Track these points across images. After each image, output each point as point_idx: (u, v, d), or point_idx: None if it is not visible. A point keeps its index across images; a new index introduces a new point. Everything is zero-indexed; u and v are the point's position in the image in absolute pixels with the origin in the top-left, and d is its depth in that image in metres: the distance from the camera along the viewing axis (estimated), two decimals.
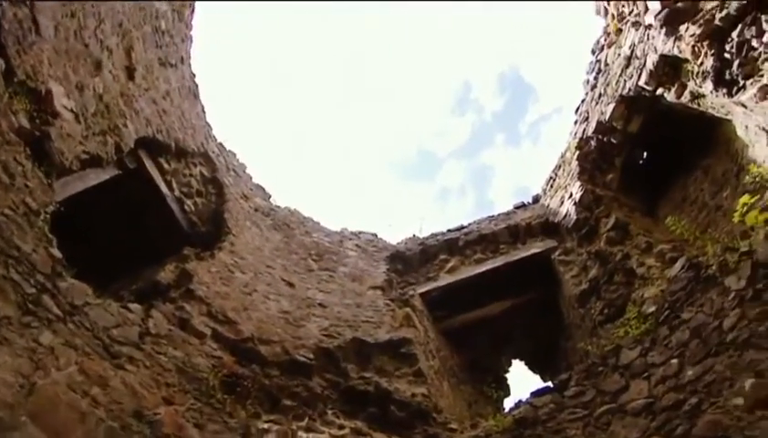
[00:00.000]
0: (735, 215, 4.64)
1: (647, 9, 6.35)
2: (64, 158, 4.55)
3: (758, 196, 4.65)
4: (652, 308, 4.89)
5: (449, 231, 9.36)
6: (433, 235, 9.36)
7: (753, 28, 5.11)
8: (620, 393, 4.48)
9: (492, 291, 8.25)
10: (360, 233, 9.75)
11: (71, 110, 4.66)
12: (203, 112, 7.85)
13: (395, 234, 10.46)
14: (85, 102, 4.89)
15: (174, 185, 6.57)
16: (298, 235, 8.38)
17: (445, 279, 8.38)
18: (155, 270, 5.96)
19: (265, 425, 5.00)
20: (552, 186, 8.84)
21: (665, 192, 6.91)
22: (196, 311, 5.54)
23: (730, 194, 5.63)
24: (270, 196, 8.84)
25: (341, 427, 5.40)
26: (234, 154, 8.48)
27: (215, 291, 5.90)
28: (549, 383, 5.45)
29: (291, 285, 6.98)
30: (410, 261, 8.89)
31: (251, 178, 8.63)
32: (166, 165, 6.40)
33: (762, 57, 5.01)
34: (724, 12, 5.37)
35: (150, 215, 6.42)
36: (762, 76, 4.97)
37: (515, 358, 8.67)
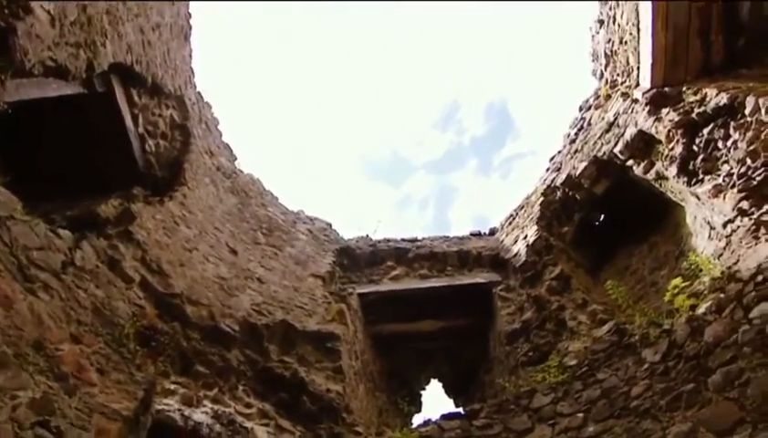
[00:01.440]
0: (666, 295, 4.92)
1: (638, 85, 6.67)
2: (26, 59, 4.22)
3: (689, 282, 4.94)
4: (573, 362, 5.10)
5: (402, 240, 9.42)
6: (386, 240, 9.39)
7: (722, 131, 5.47)
8: (525, 434, 4.65)
9: (429, 309, 8.36)
10: (316, 219, 9.65)
11: (48, 12, 4.34)
12: (190, 57, 7.55)
13: (350, 229, 10.43)
14: (65, 8, 4.57)
15: (140, 121, 6.26)
16: (254, 205, 8.19)
17: (387, 286, 8.42)
18: (97, 202, 5.64)
19: (172, 386, 4.83)
20: (510, 224, 9.08)
21: (611, 257, 7.24)
22: (130, 255, 5.29)
23: (666, 274, 5.98)
24: (236, 159, 8.60)
25: (248, 405, 5.30)
26: (210, 107, 8.19)
27: (155, 239, 5.66)
28: (461, 410, 5.56)
29: (234, 252, 6.80)
30: (358, 259, 8.88)
31: (221, 135, 8.36)
32: (137, 98, 6.10)
33: (723, 158, 5.37)
34: (702, 109, 5.73)
35: (106, 145, 6.09)
36: (718, 175, 5.33)
37: (434, 377, 8.81)
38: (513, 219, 9.05)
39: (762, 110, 5.10)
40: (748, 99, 5.28)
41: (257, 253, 7.18)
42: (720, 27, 6.36)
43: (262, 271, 6.87)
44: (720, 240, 5.00)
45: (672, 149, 5.82)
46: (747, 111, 5.26)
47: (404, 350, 8.58)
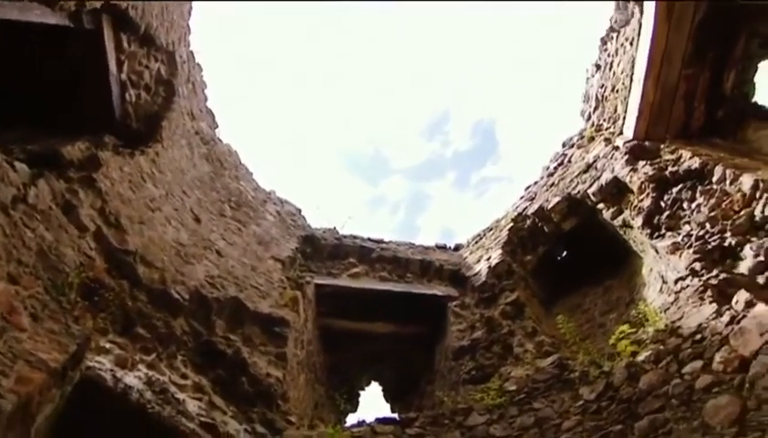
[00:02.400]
0: (611, 338, 5.10)
1: (621, 133, 6.90)
2: None
3: (634, 330, 5.14)
4: (513, 387, 5.21)
5: (368, 239, 9.41)
6: (352, 236, 9.36)
7: (690, 192, 5.73)
8: None
9: (382, 311, 8.37)
10: (286, 202, 9.54)
11: None
12: (189, 14, 7.33)
13: (318, 218, 10.33)
14: None
15: (125, 68, 6.03)
16: (227, 177, 8.02)
17: (345, 281, 8.39)
18: (63, 141, 5.40)
19: (108, 345, 4.66)
20: (476, 243, 9.21)
21: (566, 293, 7.45)
22: (89, 202, 5.09)
23: (615, 318, 6.19)
24: (217, 127, 8.40)
25: (184, 377, 5.17)
26: (201, 69, 7.97)
27: (118, 192, 5.46)
28: (396, 416, 5.60)
29: (197, 220, 6.63)
30: (321, 250, 8.82)
31: (206, 100, 8.15)
32: (126, 45, 5.87)
33: (686, 218, 5.62)
34: (675, 168, 5.98)
35: (84, 85, 5.83)
36: (678, 233, 5.57)
37: (376, 380, 8.84)
38: (480, 239, 9.18)
39: (728, 181, 5.36)
40: (717, 167, 5.55)
41: (221, 225, 7.02)
42: (703, 96, 6.68)
43: (222, 244, 6.72)
44: (669, 295, 5.22)
45: (642, 200, 6.04)
46: (714, 179, 5.52)
47: (351, 348, 8.57)
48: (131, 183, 5.75)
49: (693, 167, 5.71)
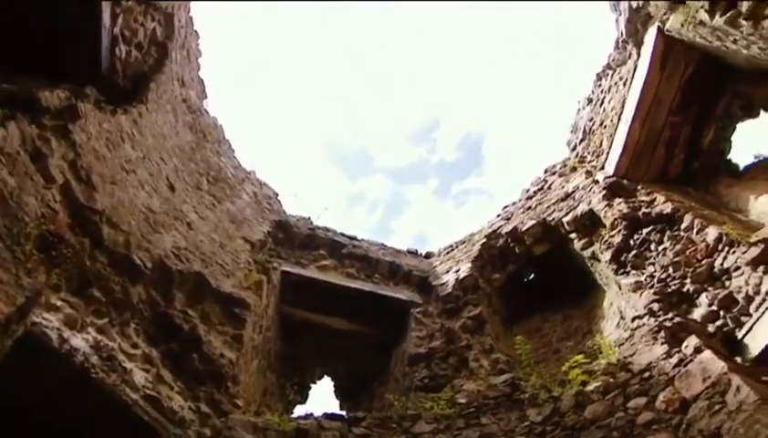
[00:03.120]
0: (565, 365, 5.23)
1: (602, 168, 7.07)
2: None
3: (588, 360, 5.27)
4: (463, 400, 5.27)
5: (342, 234, 9.38)
6: (326, 229, 9.31)
7: (658, 235, 5.92)
8: None
9: (345, 308, 8.35)
10: (264, 185, 9.42)
11: None
12: None
13: (294, 205, 10.23)
14: None
15: (119, 22, 5.84)
16: (208, 150, 7.86)
17: (312, 273, 8.34)
18: (42, 86, 5.18)
19: (59, 303, 4.50)
20: (448, 253, 9.28)
21: (528, 315, 7.58)
22: (60, 153, 4.89)
23: (571, 347, 6.34)
24: (206, 97, 8.23)
25: (135, 346, 5.04)
26: (198, 37, 7.79)
27: (93, 147, 5.27)
28: (344, 413, 5.59)
29: (172, 188, 6.48)
30: (293, 238, 8.74)
31: (198, 69, 7.97)
32: None
33: (651, 260, 5.80)
34: (648, 210, 6.17)
35: (74, 33, 5.61)
36: (642, 273, 5.74)
37: (329, 375, 8.80)
38: (452, 250, 9.26)
39: (695, 230, 5.56)
40: (687, 215, 5.75)
41: (195, 197, 6.88)
42: (684, 146, 6.92)
43: (194, 217, 6.59)
44: (625, 331, 5.37)
45: (612, 236, 6.20)
46: (683, 226, 5.72)
47: (308, 340, 8.51)
48: (108, 141, 5.57)
49: (665, 212, 5.90)
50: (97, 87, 5.80)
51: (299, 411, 7.58)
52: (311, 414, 5.45)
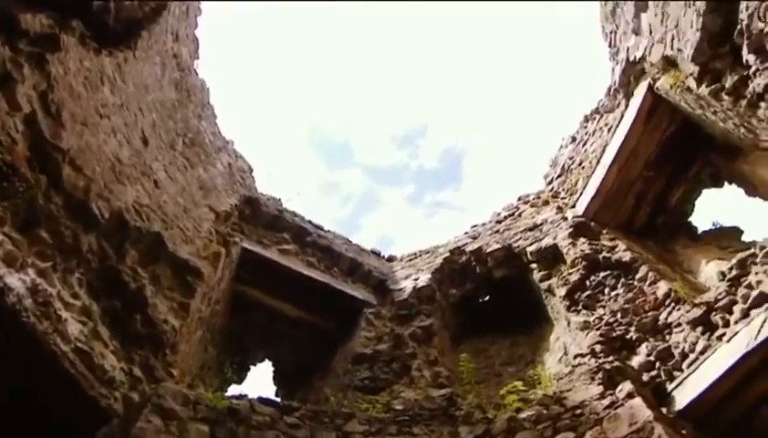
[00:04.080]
0: (503, 389, 5.34)
1: (573, 206, 7.27)
2: None
3: (526, 389, 5.40)
4: (399, 407, 5.30)
5: (309, 221, 9.30)
6: (294, 214, 9.21)
7: (613, 281, 6.14)
8: None
9: (299, 296, 8.28)
10: (240, 157, 9.24)
11: None
12: None
13: (267, 184, 10.02)
14: None
15: None
16: (190, 111, 7.64)
17: (273, 255, 8.23)
18: (23, 8, 4.90)
19: (0, 237, 4.27)
20: (410, 260, 9.34)
21: (476, 335, 7.71)
22: (32, 82, 4.65)
23: (512, 373, 6.48)
24: (198, 57, 7.99)
25: (75, 296, 4.83)
26: None
27: (69, 83, 5.04)
28: (278, 400, 5.54)
29: (145, 143, 6.26)
30: (260, 216, 8.60)
31: (196, 27, 7.74)
32: None
33: (602, 303, 6.01)
34: (608, 255, 6.38)
35: None
36: (592, 314, 5.94)
37: (270, 359, 8.70)
38: (415, 258, 9.32)
39: (647, 282, 5.79)
40: (643, 267, 5.98)
41: (168, 156, 6.67)
42: (652, 201, 7.21)
43: (163, 176, 6.38)
44: (566, 366, 5.53)
45: (571, 274, 6.38)
46: (637, 276, 5.94)
47: (256, 321, 8.38)
48: (87, 80, 5.33)
49: (624, 259, 6.12)
50: (84, 22, 5.54)
51: (234, 390, 7.45)
52: (245, 396, 5.37)
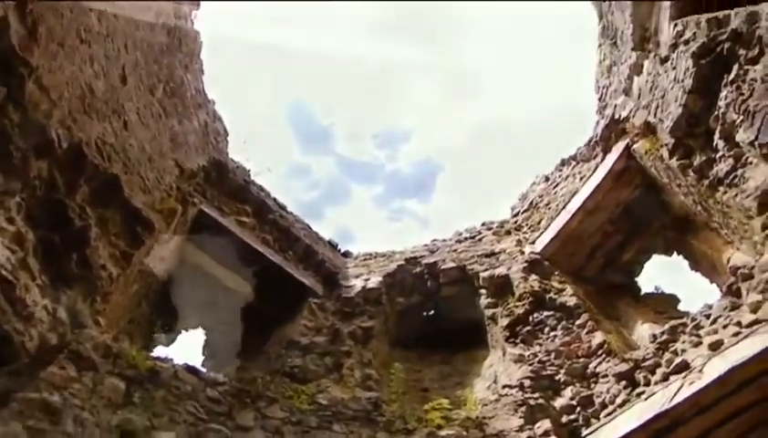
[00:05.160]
0: (428, 405, 5.44)
1: (533, 243, 7.48)
2: None
3: (450, 408, 5.49)
4: (324, 401, 5.28)
5: (274, 199, 9.15)
6: (261, 188, 9.02)
7: (554, 322, 6.34)
8: (245, 431, 4.63)
9: (247, 271, 8.11)
10: (219, 119, 8.98)
11: None
12: None
13: (239, 151, 9.71)
14: None
15: None
16: (177, 60, 7.35)
17: (230, 224, 8.02)
18: None
19: None
20: (365, 260, 9.32)
21: (412, 346, 7.77)
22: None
23: (440, 390, 6.55)
24: (197, 9, 7.71)
25: (11, 221, 4.53)
26: None
27: (59, 12, 4.75)
28: (204, 370, 5.41)
29: (123, 80, 5.96)
30: (225, 182, 8.37)
31: None
32: None
33: (540, 340, 6.20)
34: (554, 296, 6.59)
35: None
36: (528, 348, 6.11)
37: (204, 328, 8.48)
38: (370, 259, 9.31)
39: (585, 330, 6.01)
40: (584, 314, 6.21)
41: (144, 100, 6.39)
42: (606, 254, 7.51)
43: (134, 118, 6.11)
44: (493, 394, 5.66)
45: (516, 307, 6.55)
46: (577, 322, 6.16)
47: (198, 286, 8.16)
48: (73, 3, 5.05)
49: (568, 304, 6.34)
50: None
51: (160, 352, 7.21)
52: (170, 360, 5.21)
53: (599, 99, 7.68)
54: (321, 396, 5.53)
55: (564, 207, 7.32)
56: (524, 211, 8.47)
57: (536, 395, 5.28)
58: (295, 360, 6.67)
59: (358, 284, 8.17)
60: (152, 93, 6.55)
